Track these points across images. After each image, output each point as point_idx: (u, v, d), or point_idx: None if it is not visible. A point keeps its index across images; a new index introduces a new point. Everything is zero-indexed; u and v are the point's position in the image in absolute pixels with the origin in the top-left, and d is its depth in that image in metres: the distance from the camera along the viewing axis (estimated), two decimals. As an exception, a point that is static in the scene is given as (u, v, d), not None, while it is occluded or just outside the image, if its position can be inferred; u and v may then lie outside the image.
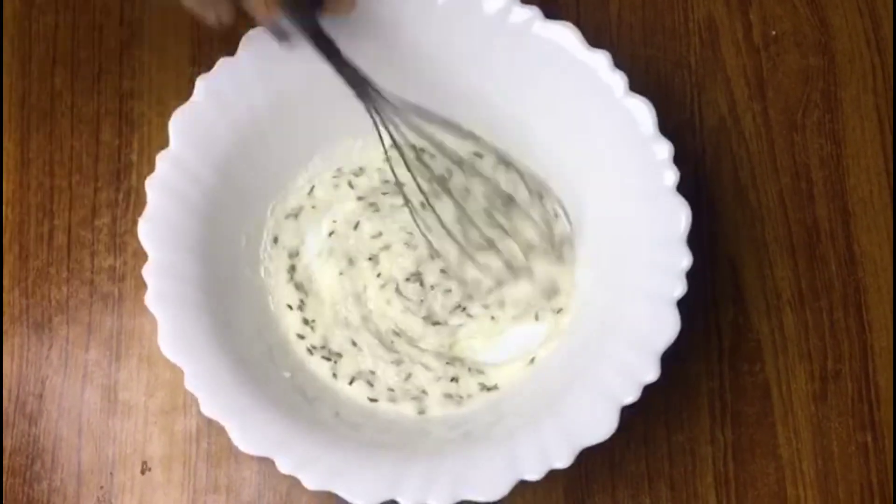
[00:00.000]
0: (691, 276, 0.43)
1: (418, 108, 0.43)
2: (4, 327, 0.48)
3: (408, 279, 0.48)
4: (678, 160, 0.44)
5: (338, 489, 0.39)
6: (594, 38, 0.46)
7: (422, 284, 0.48)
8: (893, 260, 0.51)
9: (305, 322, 0.47)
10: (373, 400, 0.46)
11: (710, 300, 0.50)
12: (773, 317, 0.50)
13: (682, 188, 0.44)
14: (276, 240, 0.48)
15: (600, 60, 0.44)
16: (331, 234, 0.49)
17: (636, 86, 0.45)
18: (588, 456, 0.41)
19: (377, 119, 0.43)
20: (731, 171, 0.53)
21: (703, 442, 0.48)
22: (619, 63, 0.45)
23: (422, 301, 0.47)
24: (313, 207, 0.49)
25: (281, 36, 0.43)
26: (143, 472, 0.47)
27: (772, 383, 0.49)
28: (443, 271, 0.48)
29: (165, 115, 0.51)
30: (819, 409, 0.49)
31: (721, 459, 0.48)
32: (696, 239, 0.45)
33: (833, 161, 0.53)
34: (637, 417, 0.42)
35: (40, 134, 0.51)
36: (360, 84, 0.42)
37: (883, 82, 0.54)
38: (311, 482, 0.39)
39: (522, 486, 0.40)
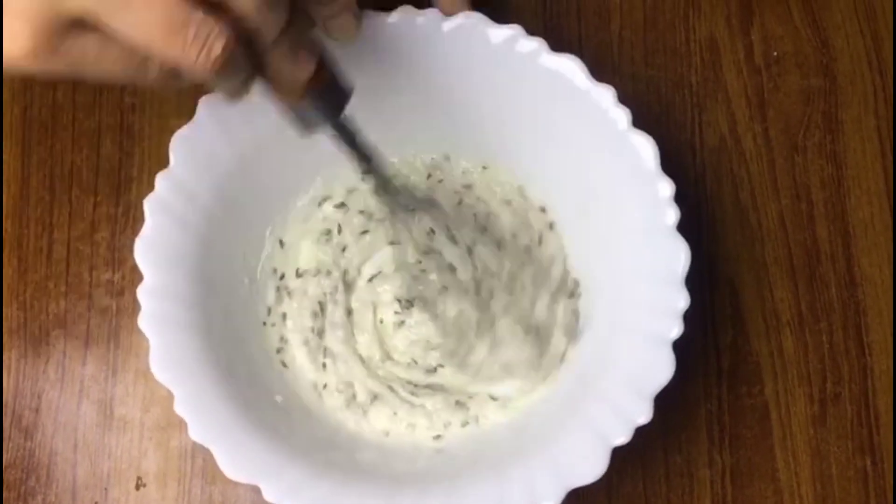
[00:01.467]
0: (690, 296, 0.43)
1: (431, 200, 0.43)
2: (3, 340, 0.48)
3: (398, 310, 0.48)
4: (678, 182, 0.44)
5: None
6: (595, 59, 0.46)
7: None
8: (894, 282, 0.51)
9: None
10: (361, 427, 0.46)
11: (709, 321, 0.50)
12: (773, 338, 0.50)
13: (682, 210, 0.43)
14: (273, 266, 0.48)
15: (605, 94, 0.44)
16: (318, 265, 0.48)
17: (636, 104, 0.45)
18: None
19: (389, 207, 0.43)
20: (732, 191, 0.52)
21: (701, 464, 0.48)
22: (619, 82, 0.45)
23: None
24: (315, 229, 0.49)
25: (304, 124, 0.39)
26: (137, 488, 0.47)
27: (771, 406, 0.49)
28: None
29: (166, 131, 0.51)
30: (818, 432, 0.49)
31: (719, 482, 0.48)
32: (696, 260, 0.44)
33: (834, 182, 0.53)
34: (634, 438, 0.42)
35: (41, 148, 0.51)
36: (382, 182, 0.42)
37: (884, 104, 0.54)
38: None
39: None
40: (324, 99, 0.37)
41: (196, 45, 0.31)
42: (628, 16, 0.55)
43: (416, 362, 0.47)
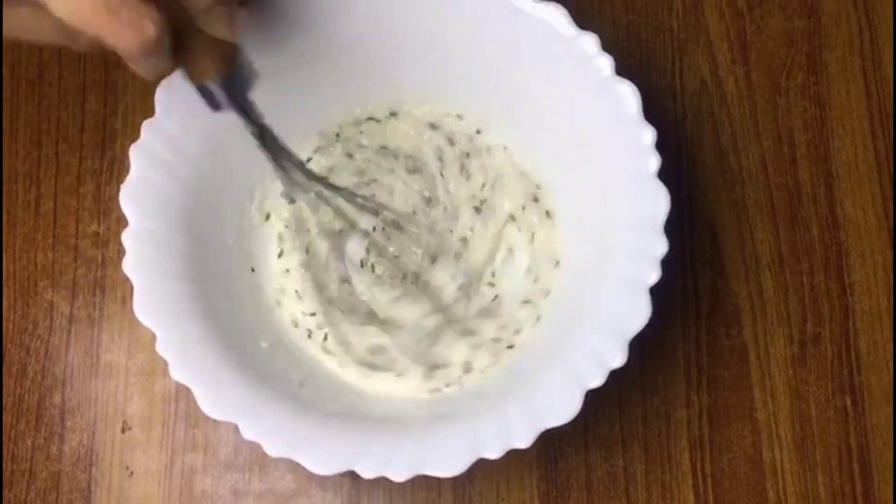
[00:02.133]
0: (669, 239, 0.43)
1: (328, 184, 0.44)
2: (-5, 293, 0.50)
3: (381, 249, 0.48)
4: (658, 126, 0.43)
5: (299, 458, 0.39)
6: (576, 5, 0.45)
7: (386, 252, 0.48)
8: (878, 222, 0.50)
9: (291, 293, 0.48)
10: (345, 373, 0.47)
11: (689, 263, 0.50)
12: (752, 280, 0.50)
13: (662, 154, 0.43)
14: (265, 211, 0.49)
15: (589, 42, 0.44)
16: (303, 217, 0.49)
17: (617, 51, 0.44)
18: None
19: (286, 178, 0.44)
20: (712, 134, 0.52)
21: (678, 405, 0.48)
22: (599, 28, 0.44)
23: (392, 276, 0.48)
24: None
25: (213, 104, 0.40)
26: (123, 431, 0.48)
27: (749, 347, 0.49)
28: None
29: (149, 86, 0.52)
30: (797, 372, 0.48)
31: (696, 423, 0.48)
32: (675, 203, 0.44)
33: (817, 124, 0.52)
34: (611, 380, 0.42)
35: (28, 105, 0.52)
36: (281, 163, 0.43)
37: (870, 44, 0.53)
38: (272, 450, 0.39)
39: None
40: (234, 80, 0.38)
41: (127, 28, 0.32)
42: (609, -38, 0.55)
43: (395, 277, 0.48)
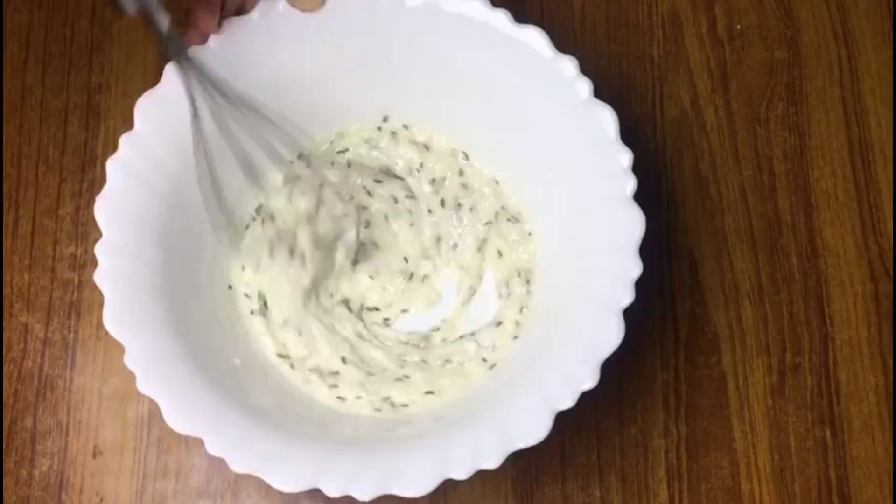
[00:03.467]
0: (648, 267, 0.42)
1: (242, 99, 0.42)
2: (-30, 315, 0.49)
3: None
4: (638, 153, 0.44)
5: (263, 473, 0.38)
6: (558, 33, 0.46)
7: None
8: (857, 252, 0.50)
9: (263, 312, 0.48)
10: (318, 393, 0.46)
11: (668, 292, 0.50)
12: (732, 309, 0.49)
13: (642, 180, 0.43)
14: (243, 226, 0.48)
15: (567, 65, 0.44)
16: (278, 236, 0.49)
17: (598, 79, 0.45)
18: (538, 447, 0.40)
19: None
20: (692, 163, 0.52)
21: (656, 434, 0.48)
22: (581, 57, 0.45)
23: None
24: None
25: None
26: (94, 456, 0.47)
27: (728, 376, 0.48)
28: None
29: (131, 109, 0.52)
30: (776, 402, 0.48)
31: (674, 452, 0.47)
32: (655, 231, 0.44)
33: (797, 154, 0.52)
34: (588, 408, 0.42)
35: (9, 127, 0.52)
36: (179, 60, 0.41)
37: (850, 74, 0.54)
38: (237, 465, 0.39)
39: (471, 478, 0.39)
40: None
41: None
42: (591, -9, 0.55)
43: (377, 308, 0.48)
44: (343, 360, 0.47)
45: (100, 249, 0.42)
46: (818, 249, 0.51)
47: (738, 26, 0.54)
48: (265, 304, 0.48)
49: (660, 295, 0.50)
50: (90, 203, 0.51)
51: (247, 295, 0.48)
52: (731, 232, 0.51)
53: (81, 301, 0.50)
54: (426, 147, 0.50)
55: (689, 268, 0.50)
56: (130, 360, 0.40)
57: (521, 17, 0.45)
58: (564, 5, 0.55)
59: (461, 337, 0.48)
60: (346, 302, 0.49)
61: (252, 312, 0.47)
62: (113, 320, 0.41)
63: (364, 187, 0.49)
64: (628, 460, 0.47)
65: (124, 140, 0.43)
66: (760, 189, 0.52)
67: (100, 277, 0.41)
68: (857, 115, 0.53)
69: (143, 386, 0.40)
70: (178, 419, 0.39)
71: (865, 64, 0.53)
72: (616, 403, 0.48)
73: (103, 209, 0.42)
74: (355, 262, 0.49)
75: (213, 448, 0.39)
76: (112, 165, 0.43)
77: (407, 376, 0.47)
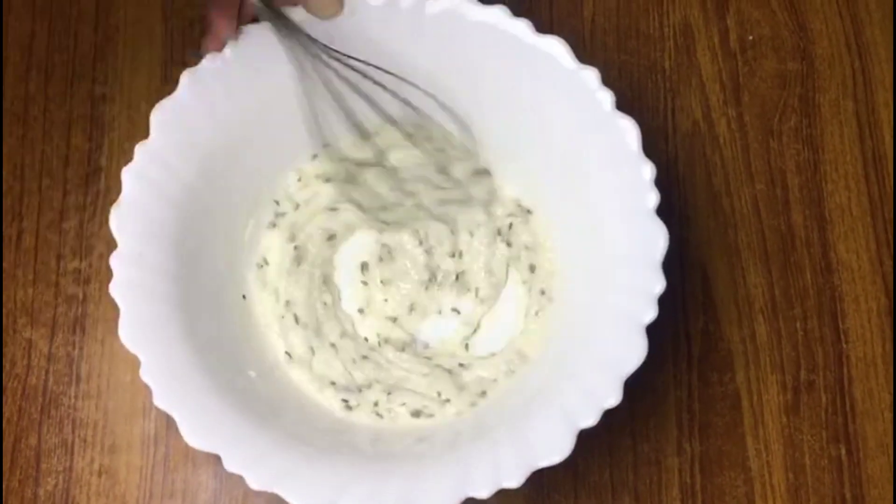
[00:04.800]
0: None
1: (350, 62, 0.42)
2: (-27, 329, 0.49)
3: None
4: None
5: (282, 491, 0.38)
6: (569, 44, 0.45)
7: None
8: (872, 267, 0.50)
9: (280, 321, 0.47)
10: (333, 406, 0.46)
11: (680, 307, 0.49)
12: (745, 325, 0.49)
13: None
14: (259, 237, 0.48)
15: (590, 76, 0.44)
16: (296, 247, 0.48)
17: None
18: (548, 467, 0.40)
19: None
20: (705, 176, 0.52)
21: (669, 453, 0.47)
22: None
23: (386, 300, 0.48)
24: (295, 209, 0.49)
25: None
26: (99, 476, 0.46)
27: (742, 393, 0.48)
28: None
29: (136, 119, 0.52)
30: (791, 420, 0.48)
31: (688, 471, 0.47)
32: (667, 245, 0.43)
33: (810, 167, 0.52)
34: (601, 425, 0.41)
35: (12, 138, 0.52)
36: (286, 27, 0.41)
37: (864, 87, 0.53)
38: (255, 482, 0.38)
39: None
40: None
41: None
42: (601, 2, 0.55)
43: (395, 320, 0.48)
44: (359, 371, 0.46)
45: (115, 260, 0.41)
46: (832, 264, 0.50)
47: (751, 37, 0.54)
48: (287, 303, 0.47)
49: (672, 311, 0.49)
50: (94, 216, 0.50)
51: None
52: (745, 247, 0.50)
53: (86, 316, 0.49)
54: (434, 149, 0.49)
55: (701, 283, 0.50)
56: (146, 374, 0.39)
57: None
58: (574, 15, 0.54)
59: (480, 349, 0.47)
60: (362, 311, 0.48)
61: (266, 323, 0.47)
62: (128, 334, 0.40)
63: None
64: (641, 479, 0.47)
65: (139, 149, 0.42)
66: (773, 203, 0.51)
67: (115, 289, 0.40)
68: (871, 128, 0.52)
69: (160, 400, 0.39)
70: (195, 435, 0.38)
71: (879, 76, 0.53)
72: (629, 421, 0.47)
73: (118, 219, 0.41)
74: (369, 268, 0.49)
75: (230, 465, 0.38)
76: (127, 174, 0.42)
77: (424, 389, 0.46)
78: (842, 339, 0.49)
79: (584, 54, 0.53)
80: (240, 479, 0.46)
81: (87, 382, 0.48)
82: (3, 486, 0.46)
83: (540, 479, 0.46)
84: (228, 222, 0.47)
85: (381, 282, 0.48)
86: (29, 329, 0.49)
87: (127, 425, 0.47)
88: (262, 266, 0.48)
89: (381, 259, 0.49)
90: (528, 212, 0.49)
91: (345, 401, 0.46)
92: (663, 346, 0.48)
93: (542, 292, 0.47)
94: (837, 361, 0.48)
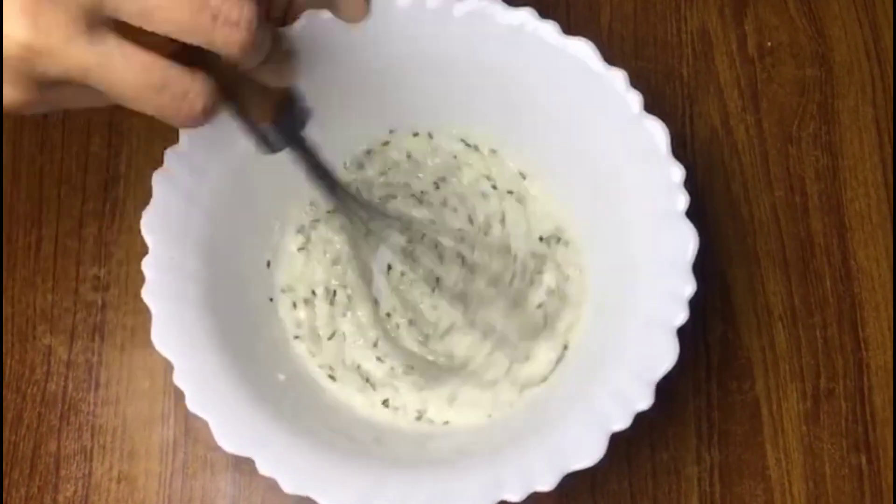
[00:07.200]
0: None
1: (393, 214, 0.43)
2: (-8, 335, 0.49)
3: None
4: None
5: (314, 494, 0.38)
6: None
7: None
8: (892, 275, 0.50)
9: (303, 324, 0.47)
10: (364, 408, 0.46)
11: (699, 315, 0.49)
12: (764, 333, 0.49)
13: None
14: (286, 241, 0.48)
15: (618, 77, 0.43)
16: (326, 254, 0.48)
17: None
18: (569, 473, 0.40)
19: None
20: (723, 183, 0.51)
21: (688, 461, 0.47)
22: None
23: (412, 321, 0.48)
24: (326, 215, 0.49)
25: (267, 144, 0.38)
26: (118, 482, 0.47)
27: (761, 402, 0.48)
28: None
29: (154, 126, 0.52)
30: (811, 429, 0.47)
31: (707, 480, 0.47)
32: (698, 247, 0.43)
33: (829, 174, 0.52)
34: (620, 435, 0.41)
35: (31, 146, 0.52)
36: (337, 195, 0.42)
37: (883, 93, 0.53)
38: (288, 485, 0.38)
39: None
40: (287, 120, 0.37)
41: (178, 102, 0.30)
42: (618, 8, 0.55)
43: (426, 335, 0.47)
44: (388, 369, 0.46)
45: (147, 265, 0.41)
46: (852, 272, 0.50)
47: (769, 43, 0.54)
48: (313, 293, 0.48)
49: (691, 319, 0.48)
50: (113, 223, 0.51)
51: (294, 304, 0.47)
52: (764, 254, 0.50)
53: (105, 323, 0.49)
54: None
55: (720, 291, 0.49)
56: (179, 379, 0.39)
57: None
58: (591, 21, 0.54)
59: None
60: (389, 315, 0.48)
61: (299, 332, 0.47)
62: (161, 338, 0.40)
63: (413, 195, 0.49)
64: (660, 487, 0.47)
65: (169, 153, 0.43)
66: (793, 210, 0.51)
67: (147, 294, 0.40)
68: (890, 134, 0.52)
69: (193, 405, 0.39)
70: (228, 439, 0.38)
71: (899, 83, 0.53)
72: (647, 429, 0.47)
73: (150, 224, 0.42)
74: (402, 274, 0.48)
75: (264, 468, 0.38)
76: (158, 179, 0.42)
77: (454, 390, 0.46)
78: (862, 347, 0.49)
79: (600, 60, 0.53)
80: (258, 486, 0.47)
81: (106, 389, 0.48)
82: (24, 493, 0.46)
83: (559, 488, 0.46)
84: (256, 226, 0.47)
85: (412, 285, 0.48)
86: (48, 336, 0.49)
87: (146, 432, 0.47)
88: (288, 268, 0.48)
89: (405, 270, 0.48)
90: (559, 240, 0.48)
91: (375, 398, 0.46)
92: (682, 354, 0.48)
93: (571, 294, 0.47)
94: (857, 369, 0.48)
